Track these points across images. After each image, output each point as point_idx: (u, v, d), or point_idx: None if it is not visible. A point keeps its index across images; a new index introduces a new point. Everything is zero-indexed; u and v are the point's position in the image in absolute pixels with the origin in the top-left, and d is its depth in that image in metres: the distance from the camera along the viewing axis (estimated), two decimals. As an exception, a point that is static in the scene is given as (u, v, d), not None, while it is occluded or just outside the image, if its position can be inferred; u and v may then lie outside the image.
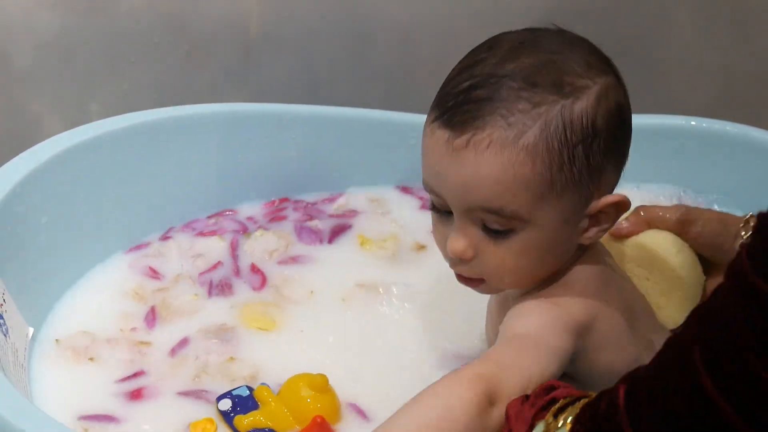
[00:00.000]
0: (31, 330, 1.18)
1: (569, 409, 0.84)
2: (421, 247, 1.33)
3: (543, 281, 1.00)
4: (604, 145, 0.95)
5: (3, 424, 0.96)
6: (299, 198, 1.37)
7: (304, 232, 1.30)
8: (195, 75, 1.49)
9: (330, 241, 1.30)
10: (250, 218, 1.36)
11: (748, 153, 1.40)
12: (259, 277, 1.25)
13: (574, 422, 0.81)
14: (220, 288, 1.24)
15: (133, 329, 1.20)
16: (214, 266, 1.28)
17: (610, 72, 0.96)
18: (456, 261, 0.98)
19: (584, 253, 1.01)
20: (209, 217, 1.36)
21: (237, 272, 1.26)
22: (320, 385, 1.05)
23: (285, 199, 1.37)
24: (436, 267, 1.19)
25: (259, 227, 1.33)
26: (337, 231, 1.32)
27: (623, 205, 0.98)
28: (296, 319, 1.21)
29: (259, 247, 1.30)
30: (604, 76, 0.96)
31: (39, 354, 1.20)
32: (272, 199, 1.38)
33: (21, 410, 0.97)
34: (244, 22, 1.47)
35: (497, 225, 0.95)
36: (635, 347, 1.00)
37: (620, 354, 0.98)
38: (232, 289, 1.24)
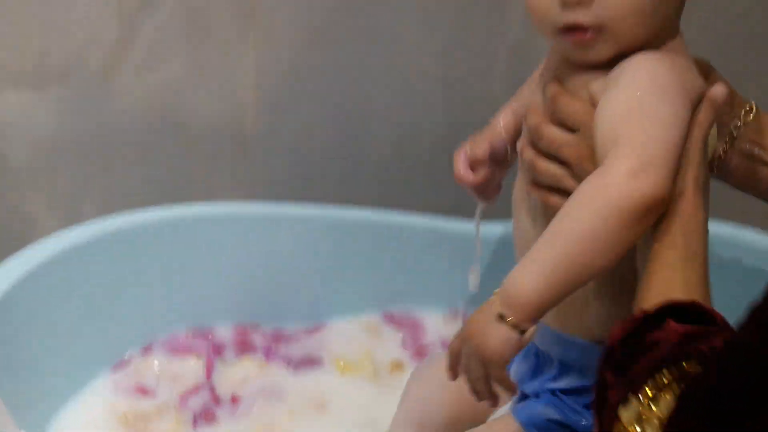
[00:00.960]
0: None
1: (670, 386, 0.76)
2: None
3: None
4: None
5: None
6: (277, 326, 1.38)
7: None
8: (190, 172, 1.49)
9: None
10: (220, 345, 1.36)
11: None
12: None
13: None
14: (203, 416, 1.25)
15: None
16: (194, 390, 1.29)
17: None
18: (573, 3, 0.93)
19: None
20: (188, 333, 1.35)
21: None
22: None
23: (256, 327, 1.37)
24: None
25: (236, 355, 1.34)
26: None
27: None
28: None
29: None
30: None
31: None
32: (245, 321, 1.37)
33: None
34: (240, 118, 1.47)
35: None
36: None
37: None
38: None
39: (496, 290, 0.88)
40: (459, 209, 1.38)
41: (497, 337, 0.87)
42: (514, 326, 0.86)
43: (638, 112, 0.92)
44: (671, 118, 0.91)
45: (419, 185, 1.56)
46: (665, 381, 0.75)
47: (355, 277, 1.38)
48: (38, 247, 1.27)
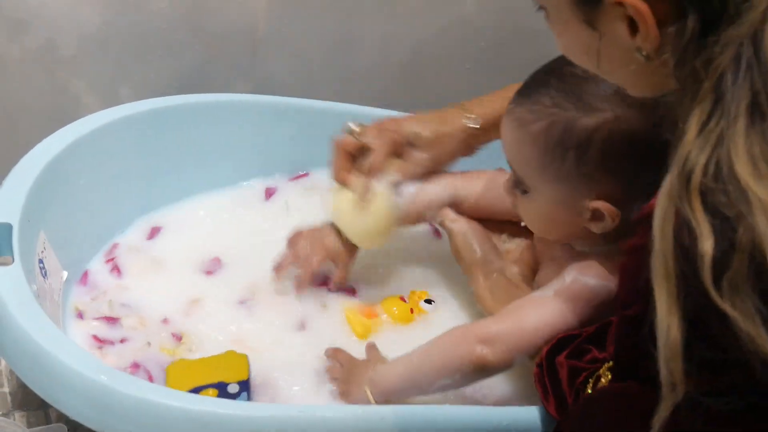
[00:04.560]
0: (65, 273, 1.29)
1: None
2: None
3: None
4: (598, 159, 1.03)
5: (42, 352, 1.07)
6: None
7: None
8: (209, 68, 1.52)
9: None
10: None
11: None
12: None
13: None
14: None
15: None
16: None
17: (638, 108, 1.01)
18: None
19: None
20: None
21: None
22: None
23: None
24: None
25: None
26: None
27: (610, 213, 1.06)
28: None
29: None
30: (627, 109, 1.02)
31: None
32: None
33: (56, 341, 1.08)
34: (252, 22, 1.50)
35: (518, 180, 1.09)
36: None
37: None
38: None
39: (375, 366, 1.13)
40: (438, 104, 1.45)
41: (356, 393, 1.13)
42: (371, 393, 1.11)
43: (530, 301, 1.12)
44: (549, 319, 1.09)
45: (402, 87, 1.62)
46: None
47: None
48: (82, 122, 1.35)
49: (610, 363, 0.97)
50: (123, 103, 1.42)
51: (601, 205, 1.05)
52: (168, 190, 1.45)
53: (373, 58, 1.58)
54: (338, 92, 1.53)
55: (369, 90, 1.58)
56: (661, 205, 0.74)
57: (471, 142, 1.24)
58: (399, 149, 1.23)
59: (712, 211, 0.71)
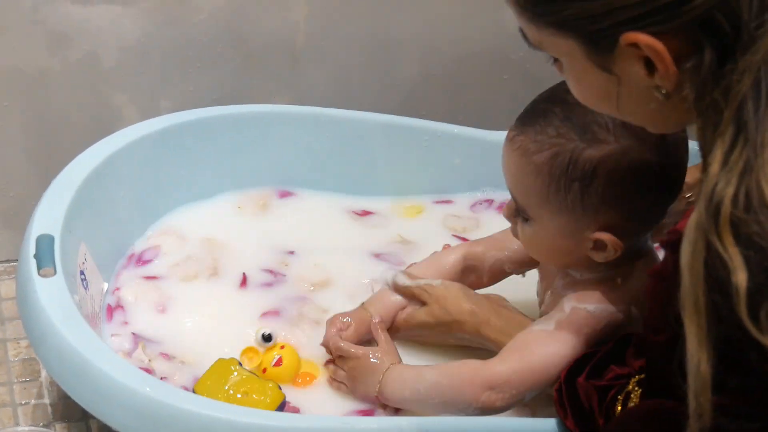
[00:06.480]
0: (105, 285, 1.31)
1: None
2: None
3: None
4: (603, 191, 1.03)
5: (85, 363, 1.08)
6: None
7: None
8: (249, 80, 1.52)
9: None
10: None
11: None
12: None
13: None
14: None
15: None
16: None
17: (643, 139, 1.01)
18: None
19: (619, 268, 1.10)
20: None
21: None
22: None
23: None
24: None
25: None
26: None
27: (613, 245, 1.05)
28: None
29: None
30: (632, 140, 1.02)
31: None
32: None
33: (100, 352, 1.10)
34: (292, 34, 1.51)
35: (520, 209, 1.09)
36: None
37: None
38: None
39: (388, 365, 1.14)
40: (481, 122, 1.50)
41: (363, 390, 1.14)
42: (377, 395, 1.12)
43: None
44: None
45: (441, 97, 1.62)
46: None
47: (384, 169, 1.50)
48: (121, 134, 1.37)
49: (637, 377, 0.97)
50: (163, 114, 1.44)
51: (603, 236, 1.05)
52: (206, 201, 1.47)
53: (411, 69, 1.59)
54: (377, 103, 1.54)
55: (408, 100, 1.60)
56: (690, 239, 0.73)
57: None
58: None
59: (744, 242, 0.70)
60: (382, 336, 1.20)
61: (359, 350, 1.18)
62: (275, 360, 1.22)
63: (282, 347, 1.24)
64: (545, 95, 1.07)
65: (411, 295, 1.22)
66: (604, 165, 1.02)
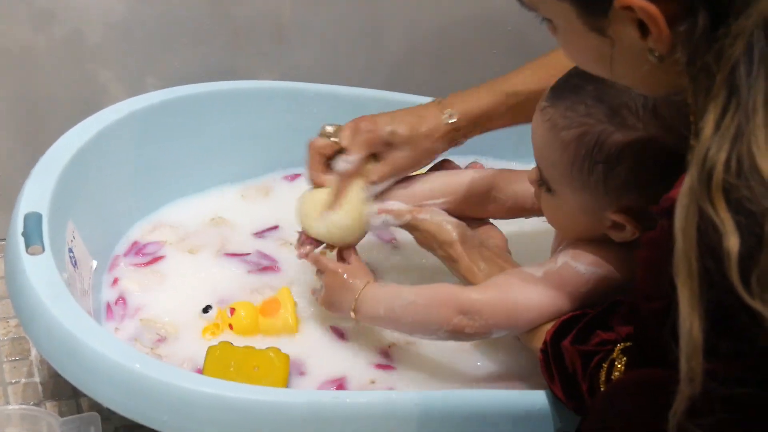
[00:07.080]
0: (94, 263, 1.31)
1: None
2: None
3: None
4: (626, 176, 1.03)
5: (73, 341, 1.08)
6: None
7: None
8: (235, 56, 1.52)
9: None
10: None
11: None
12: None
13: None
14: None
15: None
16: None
17: (670, 128, 1.00)
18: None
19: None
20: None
21: None
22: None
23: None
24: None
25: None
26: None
27: (631, 227, 1.05)
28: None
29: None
30: (659, 129, 1.01)
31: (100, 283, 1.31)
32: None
33: (88, 329, 1.09)
34: (277, 10, 1.51)
35: (543, 179, 1.10)
36: None
37: None
38: None
39: (365, 283, 1.15)
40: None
41: (339, 306, 1.17)
42: (352, 312, 1.15)
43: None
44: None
45: (428, 72, 1.63)
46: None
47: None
48: (108, 111, 1.37)
49: (622, 345, 0.97)
50: (149, 91, 1.44)
51: (622, 218, 1.06)
52: (195, 178, 1.47)
53: (399, 44, 1.60)
54: (364, 79, 1.54)
55: (395, 76, 1.60)
56: (683, 204, 0.74)
57: (453, 137, 1.24)
58: (376, 149, 1.23)
59: (736, 207, 0.71)
60: (353, 256, 1.23)
61: (338, 266, 1.21)
62: (229, 313, 1.26)
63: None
64: (576, 72, 1.06)
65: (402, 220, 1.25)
66: (629, 150, 1.03)
